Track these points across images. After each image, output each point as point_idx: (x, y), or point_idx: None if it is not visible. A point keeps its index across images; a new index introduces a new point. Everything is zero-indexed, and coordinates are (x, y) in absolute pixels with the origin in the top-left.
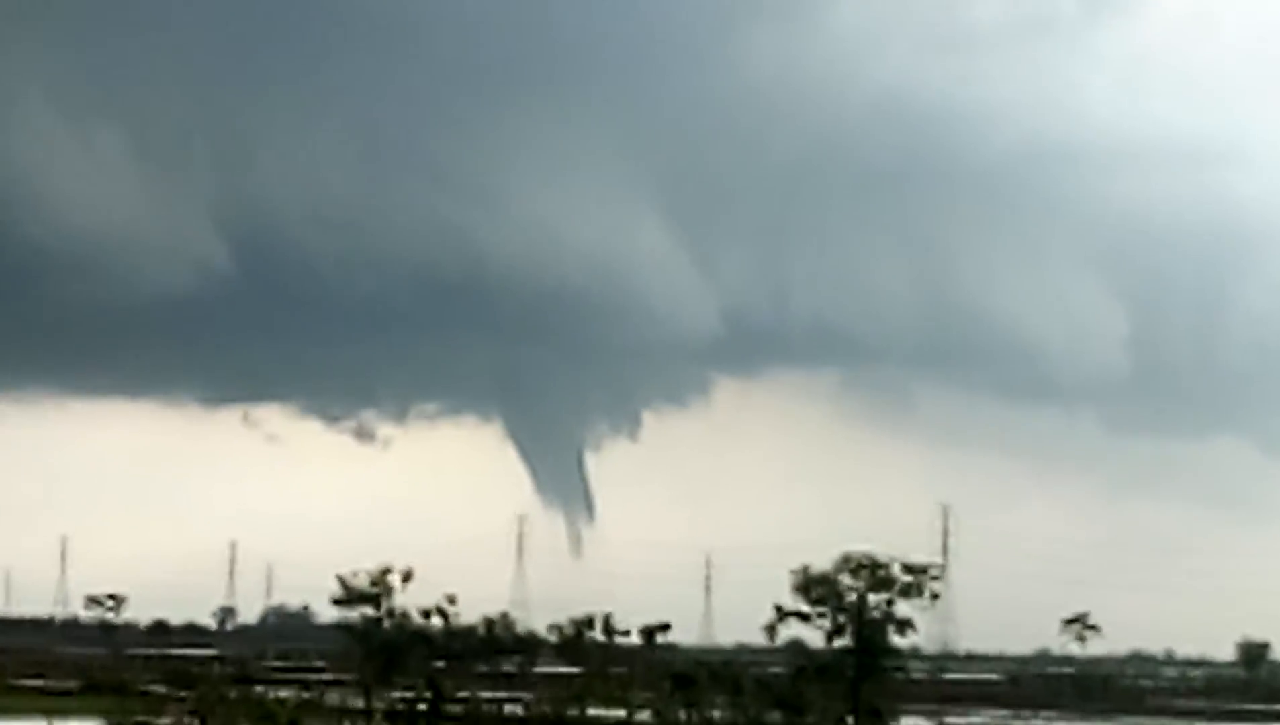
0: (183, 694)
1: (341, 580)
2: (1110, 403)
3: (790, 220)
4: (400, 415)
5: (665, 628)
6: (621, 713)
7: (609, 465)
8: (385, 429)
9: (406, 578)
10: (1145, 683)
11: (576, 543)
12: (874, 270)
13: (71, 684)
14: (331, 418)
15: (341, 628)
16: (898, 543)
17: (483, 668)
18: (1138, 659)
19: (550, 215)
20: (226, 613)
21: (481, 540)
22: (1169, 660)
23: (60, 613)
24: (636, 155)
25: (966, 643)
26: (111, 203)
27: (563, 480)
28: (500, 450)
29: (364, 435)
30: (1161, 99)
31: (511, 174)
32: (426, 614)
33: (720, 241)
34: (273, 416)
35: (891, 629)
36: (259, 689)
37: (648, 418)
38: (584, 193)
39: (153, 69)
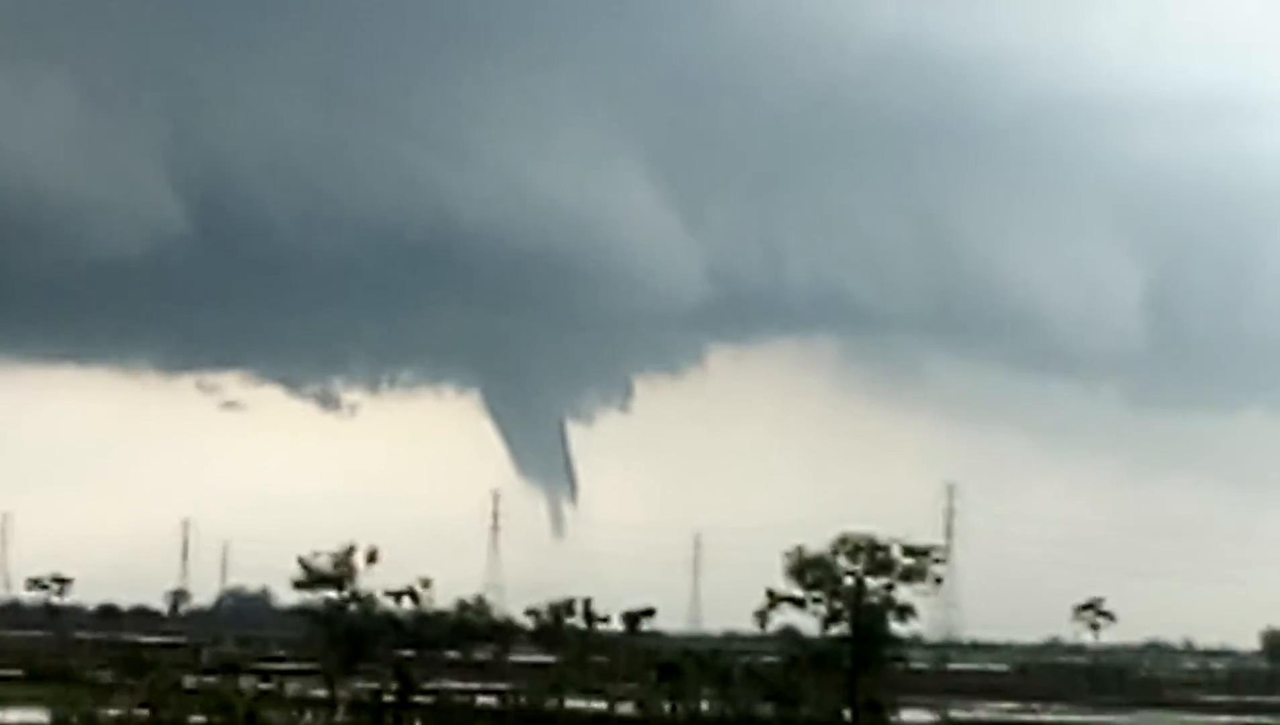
0: (133, 682)
1: (303, 561)
2: (1130, 374)
3: (786, 178)
4: (368, 385)
5: (649, 613)
6: (602, 704)
7: (592, 439)
8: (352, 398)
9: (372, 558)
10: (1163, 674)
11: (558, 522)
12: (877, 232)
13: (14, 671)
14: (295, 387)
15: (303, 612)
16: (899, 523)
17: (454, 655)
18: (1155, 649)
19: (527, 171)
20: (180, 595)
21: (454, 519)
22: (1189, 650)
23: (1, 595)
24: (621, 107)
25: (972, 631)
26: (58, 158)
27: (543, 455)
28: (475, 423)
29: (329, 404)
30: (1181, 50)
31: (484, 126)
32: (395, 597)
33: (711, 201)
34: (232, 385)
35: (891, 616)
36: (214, 678)
37: (638, 387)
38: (563, 147)
39: (99, 11)
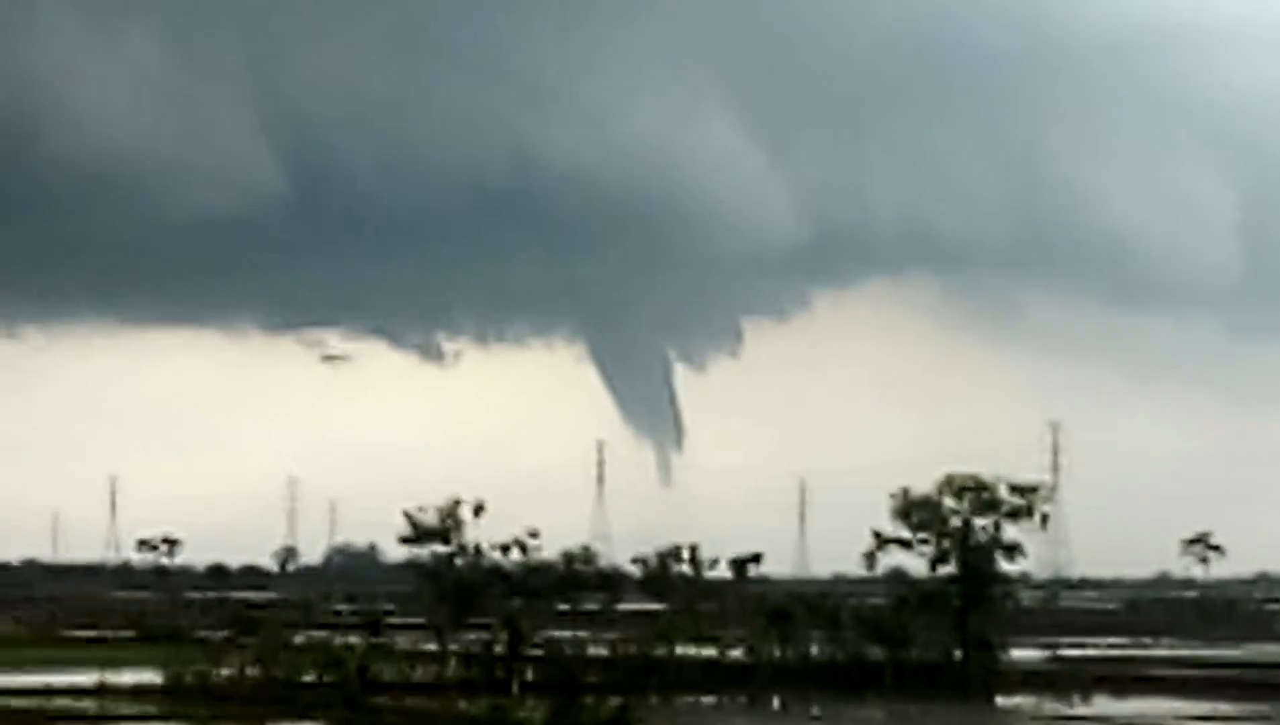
0: (244, 640)
1: (409, 516)
2: (1228, 305)
3: (873, 116)
4: (472, 338)
5: (757, 559)
6: (712, 651)
7: (702, 385)
8: (456, 348)
9: (478, 511)
10: (1274, 607)
11: (665, 470)
12: (966, 167)
13: (125, 632)
14: (398, 340)
15: (411, 567)
16: (1004, 462)
17: (563, 606)
18: (1265, 581)
19: (612, 115)
20: (288, 553)
21: (560, 469)
22: None
23: (112, 558)
24: (705, 47)
25: (1080, 568)
26: (148, 118)
27: (650, 403)
28: (580, 373)
29: (432, 357)
30: None
31: (568, 71)
32: (502, 549)
33: (799, 141)
34: (334, 341)
35: (999, 554)
36: (324, 633)
37: (747, 332)
38: (648, 89)
39: None
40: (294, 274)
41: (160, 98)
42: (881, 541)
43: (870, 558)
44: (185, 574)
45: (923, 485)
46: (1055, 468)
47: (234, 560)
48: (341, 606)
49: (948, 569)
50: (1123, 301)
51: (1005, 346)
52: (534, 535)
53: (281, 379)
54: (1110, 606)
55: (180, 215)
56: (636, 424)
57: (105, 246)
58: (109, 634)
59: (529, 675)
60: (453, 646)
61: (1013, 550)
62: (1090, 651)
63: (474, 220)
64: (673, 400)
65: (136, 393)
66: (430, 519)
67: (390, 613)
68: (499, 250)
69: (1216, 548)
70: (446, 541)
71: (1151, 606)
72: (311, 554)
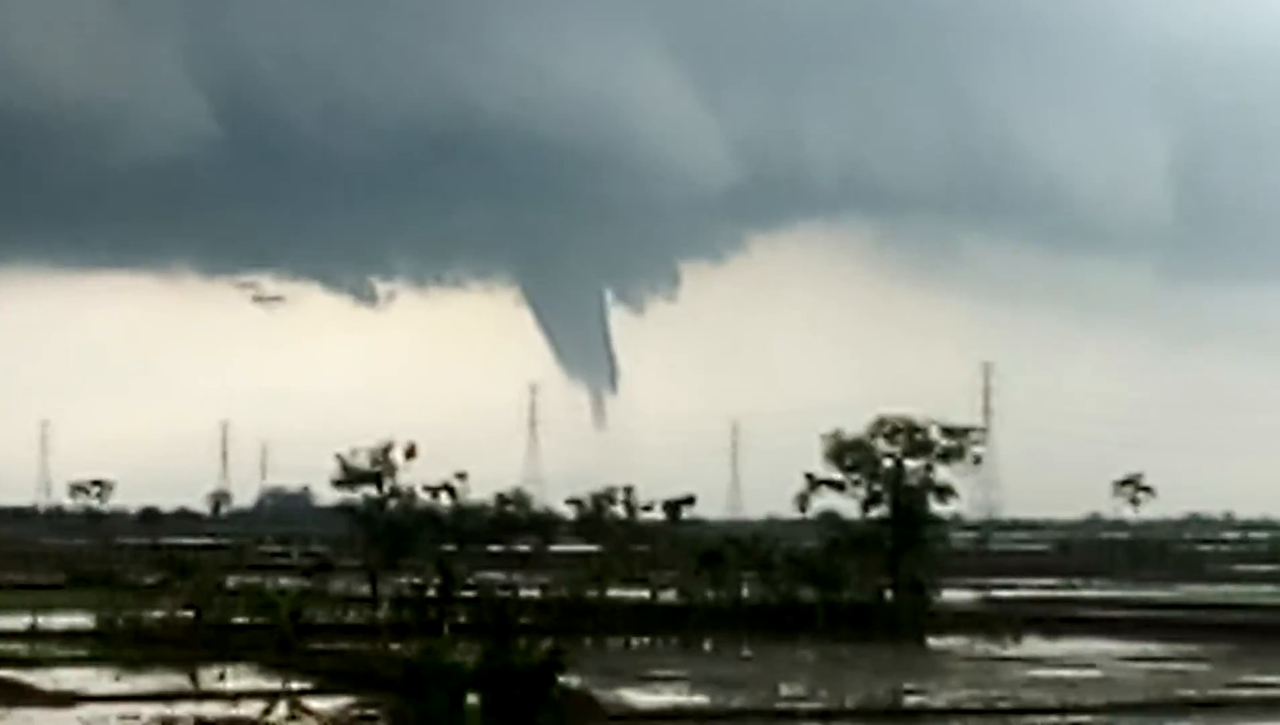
0: (176, 584)
1: (341, 459)
2: (1162, 249)
3: (810, 58)
4: (408, 281)
5: (690, 501)
6: (645, 593)
7: (635, 329)
8: (388, 291)
9: (411, 454)
10: (1204, 548)
11: (599, 413)
12: (903, 110)
13: (57, 577)
14: (332, 284)
15: (343, 510)
16: (937, 404)
17: (496, 548)
18: (1196, 522)
19: (547, 60)
20: (220, 497)
21: (494, 413)
22: (1229, 523)
23: (43, 502)
24: None
25: (1012, 509)
26: (83, 63)
27: (585, 346)
28: (512, 316)
29: (365, 300)
30: None
31: (503, 16)
32: (434, 493)
33: (734, 85)
34: (268, 285)
35: (931, 496)
36: (257, 577)
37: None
38: (585, 33)
39: None
40: (231, 219)
41: (97, 41)
42: (814, 484)
43: (802, 500)
44: (117, 518)
45: (855, 428)
46: (988, 410)
47: (166, 504)
48: (278, 548)
49: (880, 511)
50: (1059, 246)
51: (941, 290)
52: (462, 478)
53: (216, 323)
54: (1042, 548)
55: (117, 160)
56: (571, 366)
57: (41, 191)
58: (41, 578)
59: (461, 618)
60: (385, 589)
61: (945, 492)
62: (1022, 593)
63: (412, 166)
64: (607, 343)
65: (71, 337)
66: (362, 462)
67: (319, 554)
68: (437, 195)
69: (1148, 489)
70: (379, 485)
71: (1083, 548)
72: (244, 497)
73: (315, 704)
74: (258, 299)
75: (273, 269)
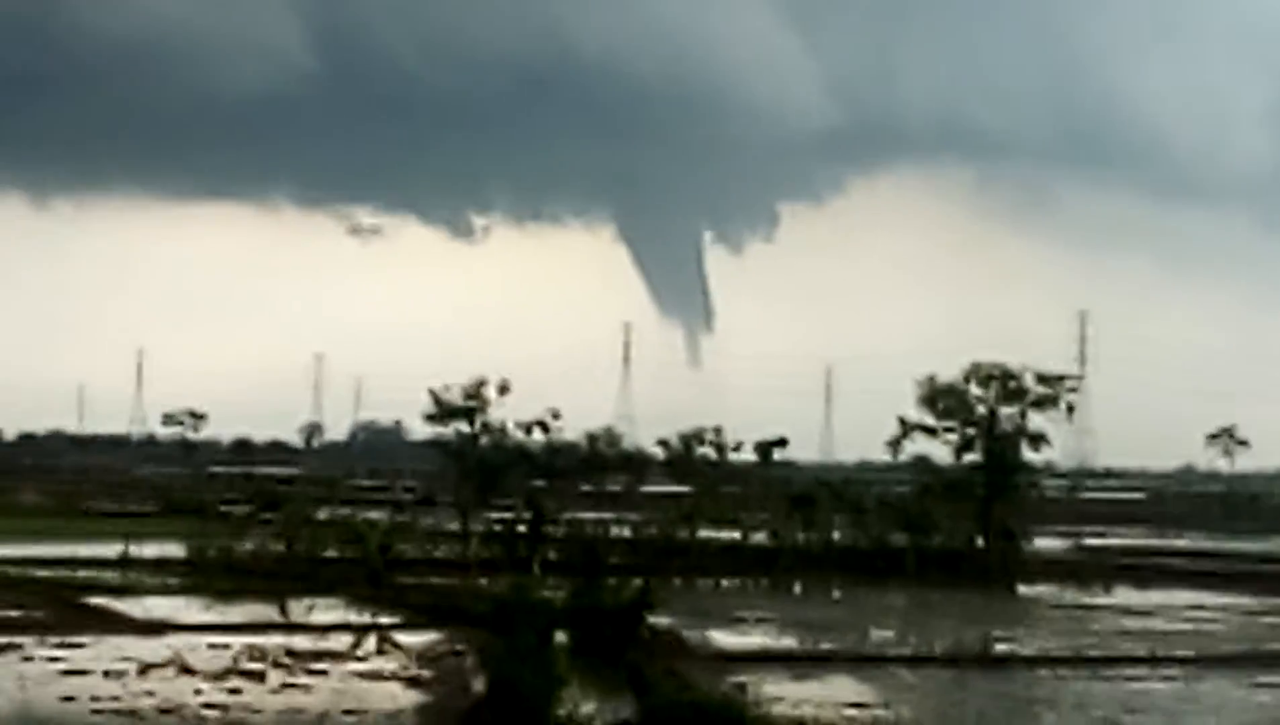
0: (267, 516)
1: (434, 394)
2: (1260, 201)
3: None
4: (502, 216)
5: (782, 443)
6: (735, 535)
7: (733, 268)
8: (484, 225)
9: (503, 390)
10: None
11: (694, 352)
12: (1003, 55)
13: (150, 506)
14: (429, 218)
15: (435, 445)
16: (1033, 351)
17: (586, 487)
18: None
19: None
20: (313, 429)
21: (588, 350)
22: None
23: (137, 431)
24: None
25: (1105, 458)
26: None
27: (681, 286)
28: (608, 254)
29: (462, 233)
30: None
31: None
32: (526, 429)
33: (835, 25)
34: (366, 217)
35: (1024, 443)
36: (348, 510)
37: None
38: None
39: None
40: (329, 151)
41: None
42: (906, 429)
43: (895, 445)
44: (210, 448)
45: (950, 373)
46: (1083, 358)
47: (259, 435)
48: (369, 483)
49: (972, 457)
50: (1156, 195)
51: (1037, 237)
52: (556, 416)
53: (312, 255)
54: (1135, 498)
55: (217, 90)
56: (666, 306)
57: (139, 120)
58: (133, 507)
59: (551, 555)
60: (475, 525)
61: (1038, 440)
62: (1113, 542)
63: (510, 102)
64: (703, 282)
65: (167, 267)
66: (455, 397)
67: (414, 489)
68: (535, 131)
69: (1242, 441)
70: (471, 421)
71: (1175, 499)
72: (337, 431)
73: (404, 638)
74: (354, 230)
75: (370, 202)
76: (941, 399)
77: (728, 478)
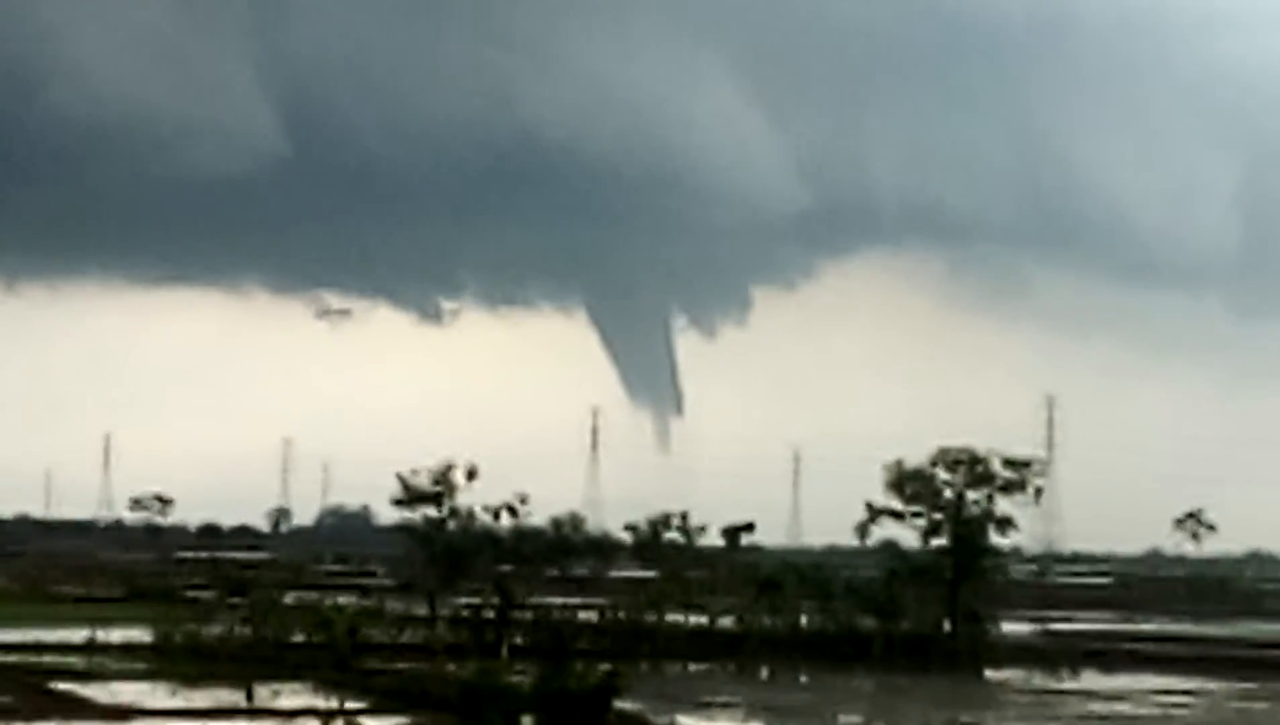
0: (234, 600)
1: (401, 478)
2: (1229, 283)
3: (877, 82)
4: (472, 300)
5: (749, 527)
6: (702, 619)
7: (700, 354)
8: (453, 309)
9: (471, 475)
10: (1265, 585)
11: (663, 437)
12: (971, 138)
13: (116, 591)
14: (399, 302)
15: (402, 529)
16: (1000, 436)
17: (554, 571)
18: (1257, 559)
19: (615, 77)
20: (280, 514)
21: (556, 435)
22: None
23: (105, 515)
24: (705, 12)
25: (1072, 542)
26: (153, 77)
27: (650, 370)
28: (577, 338)
29: (431, 317)
30: None
31: (566, 30)
32: (494, 514)
33: (803, 109)
34: (336, 302)
35: (992, 528)
36: (315, 595)
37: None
38: (650, 51)
39: None
40: (299, 235)
41: (164, 54)
42: (874, 513)
43: (863, 529)
44: (177, 533)
45: (917, 458)
46: (1050, 443)
47: (227, 520)
48: (336, 567)
49: (940, 542)
50: (1125, 278)
51: (1007, 321)
52: (523, 500)
53: (282, 340)
54: (1101, 582)
55: (186, 174)
56: (635, 390)
57: (111, 205)
58: (100, 592)
59: (518, 640)
60: (443, 610)
61: (1005, 524)
62: (1080, 626)
63: (477, 183)
64: (673, 367)
65: (138, 352)
66: (423, 482)
67: (373, 573)
68: (506, 215)
69: (1209, 525)
70: (439, 505)
71: (1143, 583)
72: (304, 515)
73: (370, 723)
74: (323, 314)
75: (340, 286)
76: (909, 483)
77: (695, 562)
